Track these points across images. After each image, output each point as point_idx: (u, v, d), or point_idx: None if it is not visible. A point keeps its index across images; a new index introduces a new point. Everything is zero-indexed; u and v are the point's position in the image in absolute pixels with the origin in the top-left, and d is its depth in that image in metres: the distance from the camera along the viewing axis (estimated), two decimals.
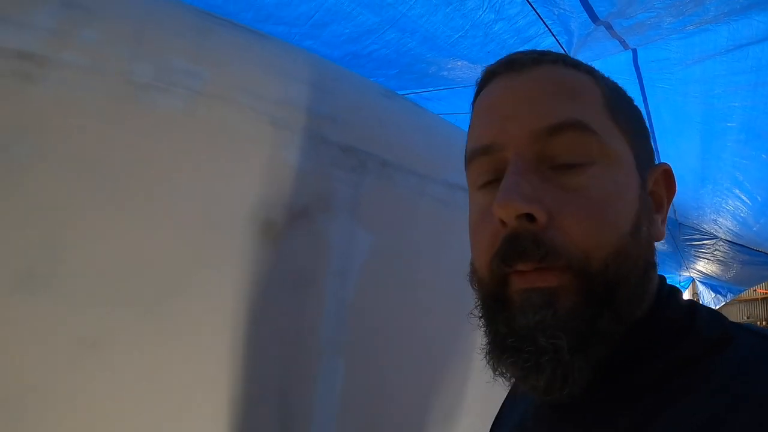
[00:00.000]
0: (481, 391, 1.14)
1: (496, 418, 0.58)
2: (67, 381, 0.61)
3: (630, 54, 2.82)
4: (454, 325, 1.04)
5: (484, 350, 0.42)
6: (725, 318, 0.40)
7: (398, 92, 2.60)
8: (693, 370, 0.36)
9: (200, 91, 0.81)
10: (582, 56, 2.76)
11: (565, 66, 0.44)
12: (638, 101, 2.64)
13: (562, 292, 0.37)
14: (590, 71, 0.45)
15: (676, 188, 0.45)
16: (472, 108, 0.49)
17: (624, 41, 2.33)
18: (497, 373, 0.41)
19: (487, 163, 0.43)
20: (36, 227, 0.61)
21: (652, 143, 0.51)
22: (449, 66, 2.20)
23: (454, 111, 3.32)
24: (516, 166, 0.39)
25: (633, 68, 2.98)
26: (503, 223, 0.39)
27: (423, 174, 1.03)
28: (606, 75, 0.48)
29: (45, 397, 0.60)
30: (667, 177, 0.46)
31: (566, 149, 0.40)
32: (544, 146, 0.40)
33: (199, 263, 0.74)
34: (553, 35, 1.93)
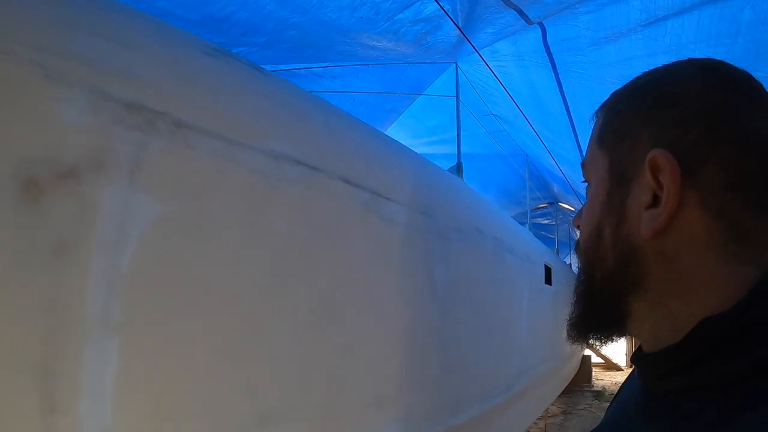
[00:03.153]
0: (307, 389, 1.14)
1: (614, 396, 0.68)
2: None
3: (539, 32, 2.89)
4: (263, 317, 1.02)
5: None
6: None
7: (280, 67, 2.59)
8: None
9: None
10: (483, 33, 2.80)
11: (602, 110, 0.57)
12: (553, 89, 2.70)
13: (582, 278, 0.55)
14: (605, 104, 0.57)
15: (676, 169, 0.44)
16: None
17: (522, 12, 2.34)
18: None
19: None
20: None
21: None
22: (324, 34, 2.17)
23: (352, 90, 3.32)
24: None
25: (543, 49, 3.06)
26: None
27: (233, 139, 1.00)
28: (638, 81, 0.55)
29: None
30: (661, 163, 0.45)
31: None
32: None
33: None
34: (435, 1, 1.95)
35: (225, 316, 0.97)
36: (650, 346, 0.50)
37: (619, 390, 0.67)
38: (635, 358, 0.53)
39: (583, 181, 0.59)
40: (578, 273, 0.57)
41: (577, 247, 0.58)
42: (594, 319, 0.54)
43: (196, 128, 0.95)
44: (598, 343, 0.55)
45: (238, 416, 0.99)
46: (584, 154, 0.59)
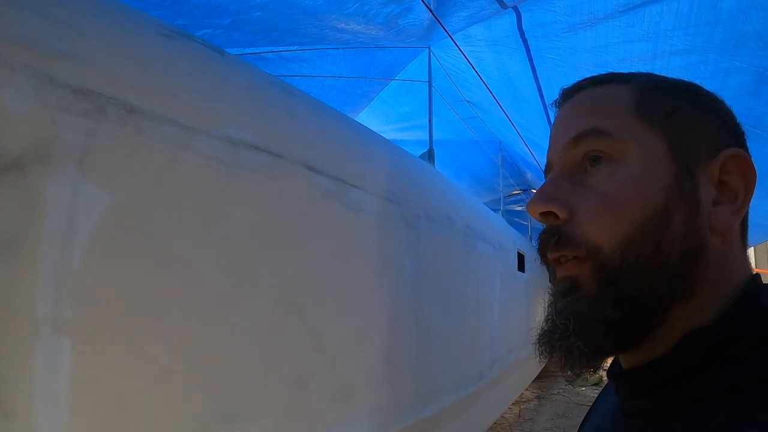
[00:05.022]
0: (272, 386, 1.12)
1: (587, 413, 0.65)
2: None
3: (513, 16, 2.88)
4: (224, 312, 1.00)
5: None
6: None
7: (246, 50, 2.53)
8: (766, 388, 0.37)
9: None
10: (456, 17, 2.78)
11: (601, 85, 0.53)
12: (527, 75, 2.67)
13: (582, 280, 0.46)
14: (628, 79, 0.52)
15: (754, 175, 0.46)
16: None
17: None
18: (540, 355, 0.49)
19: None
20: None
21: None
22: (290, 16, 2.11)
23: (322, 74, 3.28)
24: (552, 175, 0.51)
25: (518, 34, 3.05)
26: (543, 221, 0.50)
27: (186, 125, 0.97)
28: (664, 76, 0.53)
29: None
30: (738, 163, 0.46)
31: (585, 153, 0.49)
32: (573, 155, 0.49)
33: None
34: None
35: (183, 312, 0.95)
36: (635, 361, 0.47)
37: (592, 405, 0.65)
38: (613, 374, 0.51)
39: (594, 151, 0.48)
40: (580, 276, 0.47)
41: (557, 233, 0.48)
42: (626, 333, 0.44)
43: (148, 114, 0.91)
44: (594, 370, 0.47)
45: (200, 416, 0.97)
46: (587, 120, 0.50)
